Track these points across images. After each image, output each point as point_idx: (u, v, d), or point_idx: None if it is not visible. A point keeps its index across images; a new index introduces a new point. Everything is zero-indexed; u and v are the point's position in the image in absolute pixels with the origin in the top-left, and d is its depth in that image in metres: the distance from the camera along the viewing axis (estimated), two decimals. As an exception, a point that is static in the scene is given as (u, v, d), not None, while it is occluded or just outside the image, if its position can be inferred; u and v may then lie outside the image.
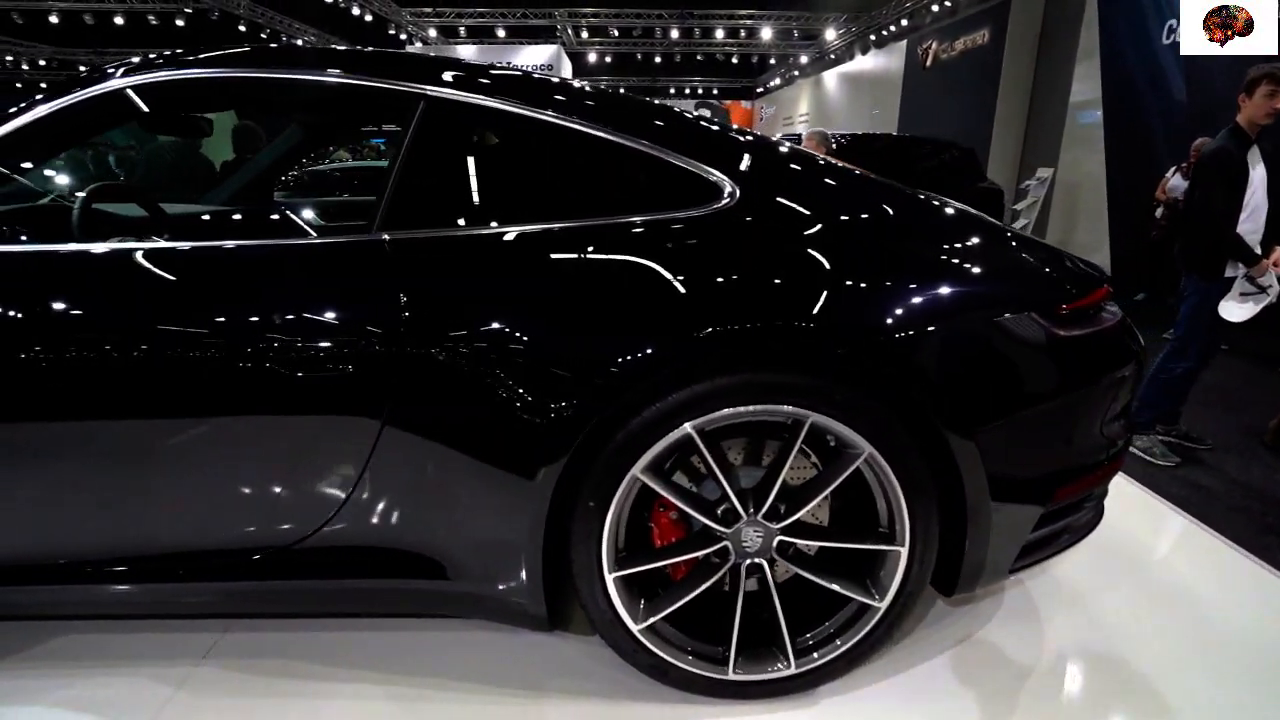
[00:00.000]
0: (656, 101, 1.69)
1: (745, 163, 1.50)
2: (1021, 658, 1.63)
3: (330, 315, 1.32)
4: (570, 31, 17.13)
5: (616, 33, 17.22)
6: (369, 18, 14.29)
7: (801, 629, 1.48)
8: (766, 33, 16.75)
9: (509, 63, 15.75)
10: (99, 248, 1.40)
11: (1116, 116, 8.29)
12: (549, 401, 1.28)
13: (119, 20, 13.62)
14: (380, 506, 1.39)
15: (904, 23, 14.27)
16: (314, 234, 1.47)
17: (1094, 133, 8.65)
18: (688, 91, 27.41)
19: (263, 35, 15.39)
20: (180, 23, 13.82)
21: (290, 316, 1.32)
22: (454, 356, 1.29)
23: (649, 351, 1.26)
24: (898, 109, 14.53)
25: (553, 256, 1.36)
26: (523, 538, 1.35)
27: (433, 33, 16.18)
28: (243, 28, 14.45)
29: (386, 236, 1.37)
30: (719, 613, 1.44)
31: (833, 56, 17.94)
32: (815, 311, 1.28)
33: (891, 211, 1.52)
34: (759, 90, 26.74)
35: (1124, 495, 2.51)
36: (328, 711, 1.45)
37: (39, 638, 1.63)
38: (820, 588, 1.44)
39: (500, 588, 1.41)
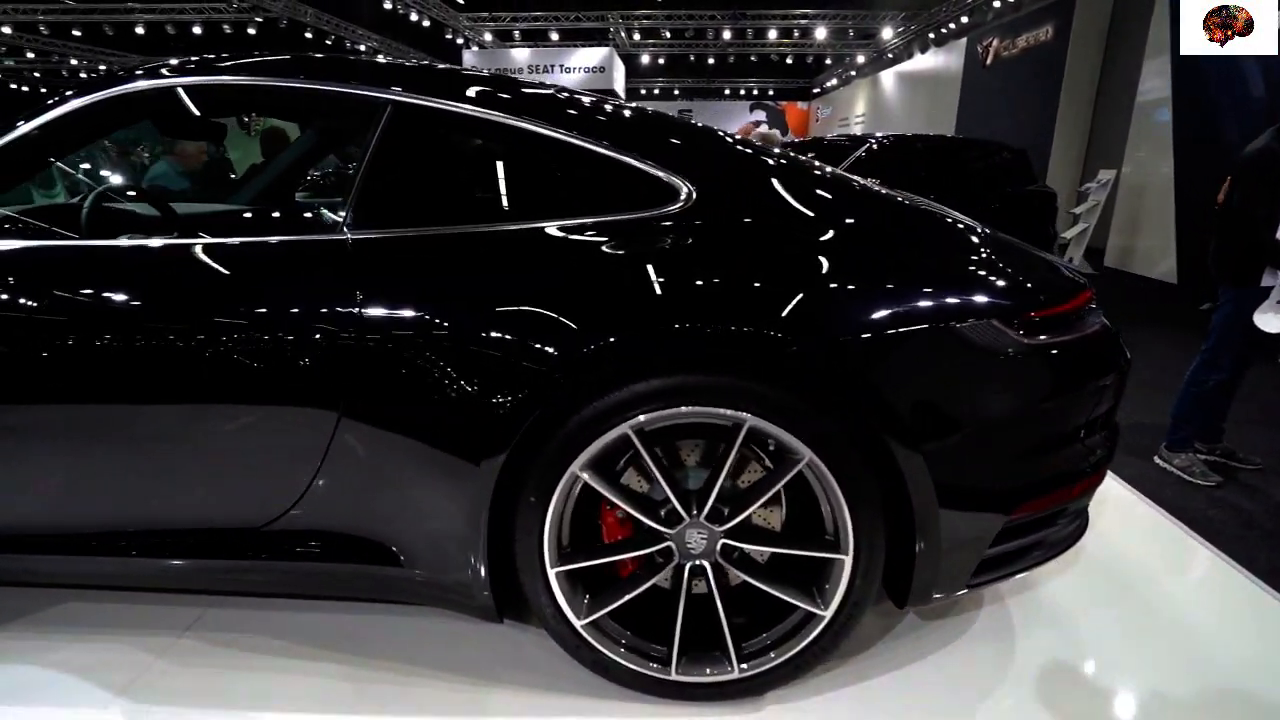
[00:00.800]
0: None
1: (706, 165, 1.50)
2: (983, 679, 1.58)
3: (295, 312, 1.39)
4: (623, 34, 17.24)
5: (668, 34, 17.23)
6: (426, 23, 14.71)
7: (748, 634, 1.47)
8: (821, 32, 16.49)
9: (561, 65, 15.97)
10: (84, 243, 1.51)
11: (1187, 116, 7.87)
12: (490, 397, 1.31)
13: (197, 30, 14.43)
14: (339, 494, 1.44)
15: (964, 20, 13.85)
16: (295, 234, 1.53)
17: (1162, 133, 8.24)
18: (742, 93, 27.19)
19: (327, 42, 16.03)
20: (252, 31, 14.54)
21: (260, 312, 1.39)
22: (402, 352, 1.34)
23: (583, 351, 1.28)
24: (955, 109, 14.13)
25: (498, 257, 1.39)
26: (468, 529, 1.39)
27: (488, 36, 16.53)
28: (309, 34, 15.08)
29: (350, 237, 1.43)
30: (665, 613, 1.45)
31: (890, 56, 17.54)
32: (749, 315, 1.28)
33: (849, 215, 1.49)
34: (815, 91, 26.33)
35: (1133, 513, 2.39)
36: (287, 687, 1.51)
37: (39, 604, 1.75)
38: (767, 593, 1.43)
39: (450, 577, 1.45)
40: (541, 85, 1.69)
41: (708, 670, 1.45)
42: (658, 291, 1.32)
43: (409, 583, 1.50)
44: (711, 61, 19.69)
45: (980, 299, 1.36)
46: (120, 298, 1.42)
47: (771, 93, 27.34)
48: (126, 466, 1.49)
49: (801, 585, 1.44)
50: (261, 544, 1.51)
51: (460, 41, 16.49)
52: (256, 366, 1.38)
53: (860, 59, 19.17)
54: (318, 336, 1.37)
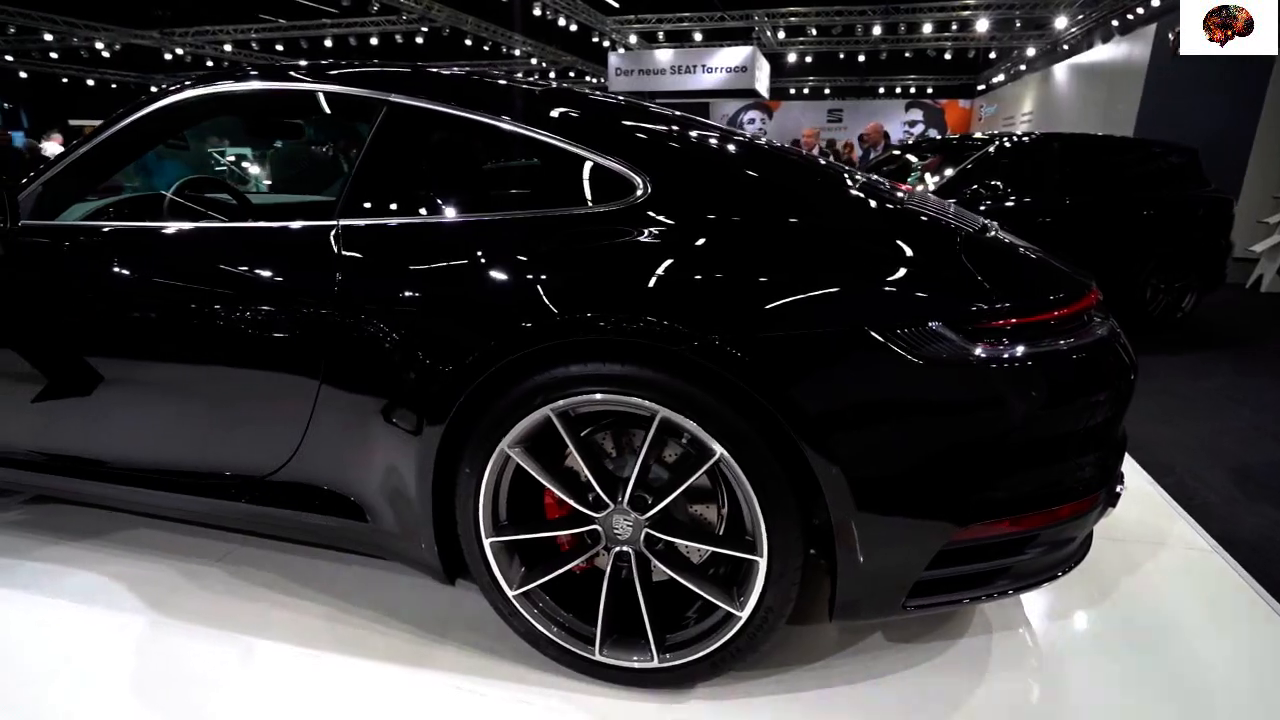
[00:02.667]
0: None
1: (664, 160, 1.52)
2: (921, 712, 1.48)
3: (291, 290, 1.58)
4: (768, 32, 16.98)
5: (815, 31, 16.73)
6: (574, 27, 15.33)
7: (674, 626, 1.48)
8: (983, 24, 15.31)
9: (703, 65, 16.03)
10: (158, 225, 1.80)
11: None
12: (432, 372, 1.42)
13: (374, 41, 16.00)
14: (322, 452, 1.62)
15: (1155, 3, 12.31)
16: (307, 221, 1.71)
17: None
18: (898, 91, 25.89)
19: (485, 48, 17.16)
20: (419, 40, 15.88)
21: (264, 290, 1.60)
22: (364, 328, 1.48)
23: (509, 335, 1.35)
24: (1137, 106, 12.62)
25: (447, 246, 1.49)
26: (418, 494, 1.51)
27: (633, 39, 16.92)
28: (469, 41, 16.22)
29: (339, 224, 1.59)
30: (596, 594, 1.49)
31: (1065, 47, 15.96)
32: (659, 308, 1.29)
33: (803, 212, 1.45)
34: (980, 87, 24.51)
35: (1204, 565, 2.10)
36: (278, 620, 1.71)
37: (110, 525, 2.10)
38: (699, 589, 1.43)
39: (405, 538, 1.58)
40: (508, 80, 1.76)
41: (632, 656, 1.47)
42: (581, 282, 1.36)
43: (377, 539, 1.64)
44: (862, 59, 18.91)
45: (921, 303, 1.28)
46: (176, 271, 1.69)
47: (930, 90, 25.80)
48: (175, 414, 1.75)
49: (724, 585, 1.43)
50: (267, 492, 1.72)
51: (606, 45, 17.00)
52: (263, 335, 1.59)
53: (1031, 52, 17.63)
54: (306, 310, 1.54)
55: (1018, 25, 15.84)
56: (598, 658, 1.48)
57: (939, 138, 6.85)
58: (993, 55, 20.05)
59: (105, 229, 1.83)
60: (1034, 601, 1.83)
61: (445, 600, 1.76)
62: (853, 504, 1.27)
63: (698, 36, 16.75)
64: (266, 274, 1.62)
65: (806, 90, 26.45)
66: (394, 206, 1.59)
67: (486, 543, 1.49)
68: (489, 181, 1.69)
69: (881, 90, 26.03)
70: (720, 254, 1.36)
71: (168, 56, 17.69)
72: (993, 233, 1.58)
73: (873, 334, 1.25)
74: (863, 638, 1.67)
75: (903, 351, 1.25)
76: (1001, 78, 21.44)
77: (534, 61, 20.06)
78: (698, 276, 1.33)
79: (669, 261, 1.35)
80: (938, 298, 1.30)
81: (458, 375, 1.39)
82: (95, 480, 1.86)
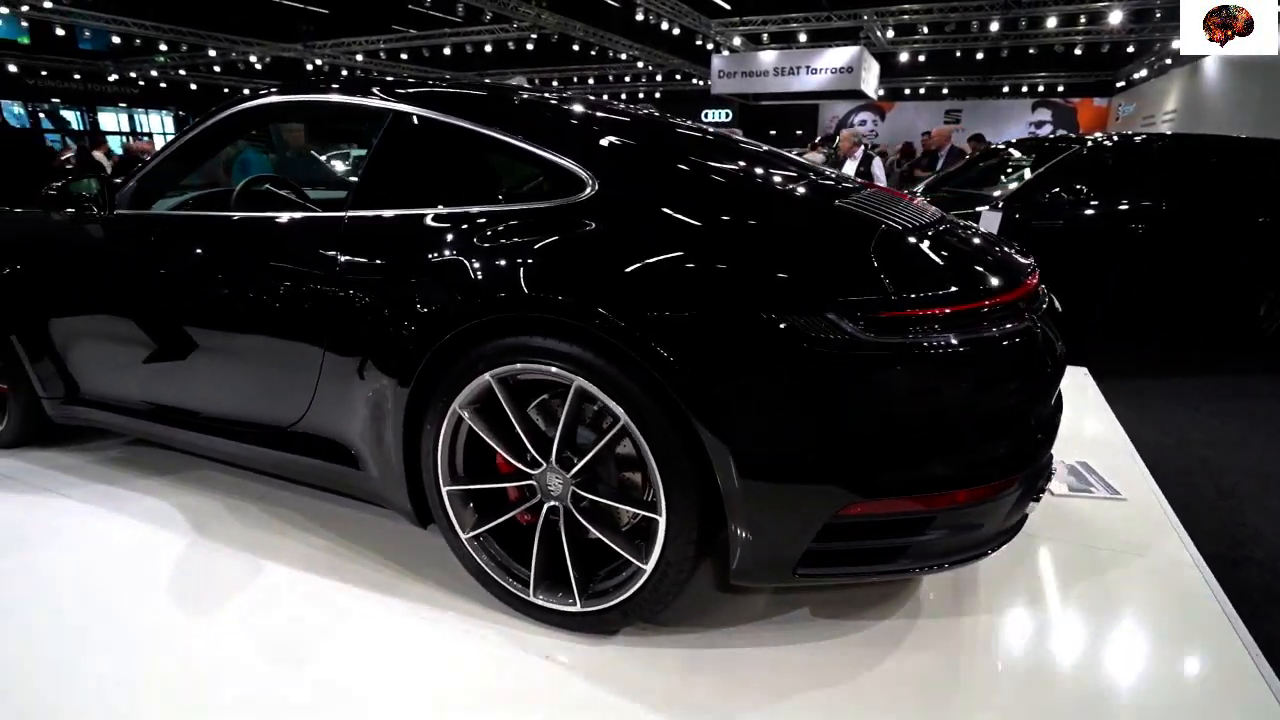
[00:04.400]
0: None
1: (609, 158, 1.70)
2: (823, 675, 1.57)
3: (307, 270, 1.88)
4: (878, 32, 16.53)
5: (926, 29, 16.13)
6: (676, 31, 15.59)
7: (596, 577, 1.65)
8: (1116, 16, 14.24)
9: (807, 67, 15.83)
10: (213, 215, 2.17)
11: None
12: (401, 341, 1.67)
13: (488, 49, 16.97)
14: (326, 408, 1.91)
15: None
16: (329, 212, 2.00)
17: None
18: (1024, 90, 24.37)
19: (591, 52, 17.74)
20: (530, 46, 16.67)
21: (288, 268, 1.92)
22: (356, 302, 1.76)
23: (459, 311, 1.58)
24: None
25: (426, 234, 1.73)
26: (391, 447, 1.76)
27: (737, 40, 16.96)
28: (576, 47, 16.86)
29: (348, 214, 1.88)
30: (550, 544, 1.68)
31: (1215, 39, 14.51)
32: (576, 290, 1.46)
33: (721, 208, 1.58)
34: (1120, 84, 22.63)
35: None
36: (288, 550, 2.02)
37: (186, 465, 2.51)
38: (611, 542, 1.60)
39: (388, 485, 1.84)
40: (478, 83, 1.98)
41: (559, 600, 1.66)
42: (515, 267, 1.55)
43: (368, 484, 1.91)
44: (981, 57, 18.03)
45: (815, 293, 1.39)
46: (224, 255, 2.05)
47: (1061, 89, 24.12)
48: (224, 371, 2.09)
49: (634, 542, 1.59)
50: (290, 440, 2.03)
51: (710, 47, 17.15)
52: (288, 307, 1.90)
53: (1175, 44, 16.18)
54: (318, 288, 1.84)
55: (1157, 16, 14.61)
56: (531, 598, 1.68)
57: (1029, 138, 6.49)
58: (1131, 49, 18.52)
59: (173, 217, 2.22)
60: (972, 588, 1.86)
61: (425, 543, 2.01)
62: (738, 474, 1.39)
63: (803, 38, 16.55)
64: (294, 257, 1.93)
65: (923, 90, 25.40)
66: (384, 200, 1.86)
67: (444, 491, 1.72)
68: (463, 179, 1.92)
69: (1006, 89, 24.59)
70: (639, 244, 1.52)
71: (309, 67, 19.51)
72: (938, 230, 1.65)
73: (764, 319, 1.37)
74: (792, 609, 1.78)
75: (793, 337, 1.36)
76: (1144, 73, 19.72)
77: (640, 65, 20.52)
78: (614, 264, 1.49)
79: (592, 251, 1.53)
80: (833, 288, 1.39)
81: (419, 343, 1.63)
82: (169, 425, 2.25)
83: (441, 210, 1.76)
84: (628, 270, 1.48)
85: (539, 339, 1.52)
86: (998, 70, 21.93)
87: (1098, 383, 3.64)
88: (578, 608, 1.64)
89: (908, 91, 25.44)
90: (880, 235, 1.52)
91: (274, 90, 2.15)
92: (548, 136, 1.76)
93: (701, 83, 18.33)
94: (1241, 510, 2.80)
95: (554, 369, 1.51)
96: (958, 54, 18.23)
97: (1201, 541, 2.15)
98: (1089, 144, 5.34)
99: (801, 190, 1.68)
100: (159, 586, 1.86)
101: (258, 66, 19.25)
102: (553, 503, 1.64)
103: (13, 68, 19.67)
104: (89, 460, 2.58)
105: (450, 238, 1.69)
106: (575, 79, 23.11)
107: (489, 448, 1.72)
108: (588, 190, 1.64)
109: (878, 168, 6.62)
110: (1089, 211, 4.82)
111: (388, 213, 1.83)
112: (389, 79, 2.07)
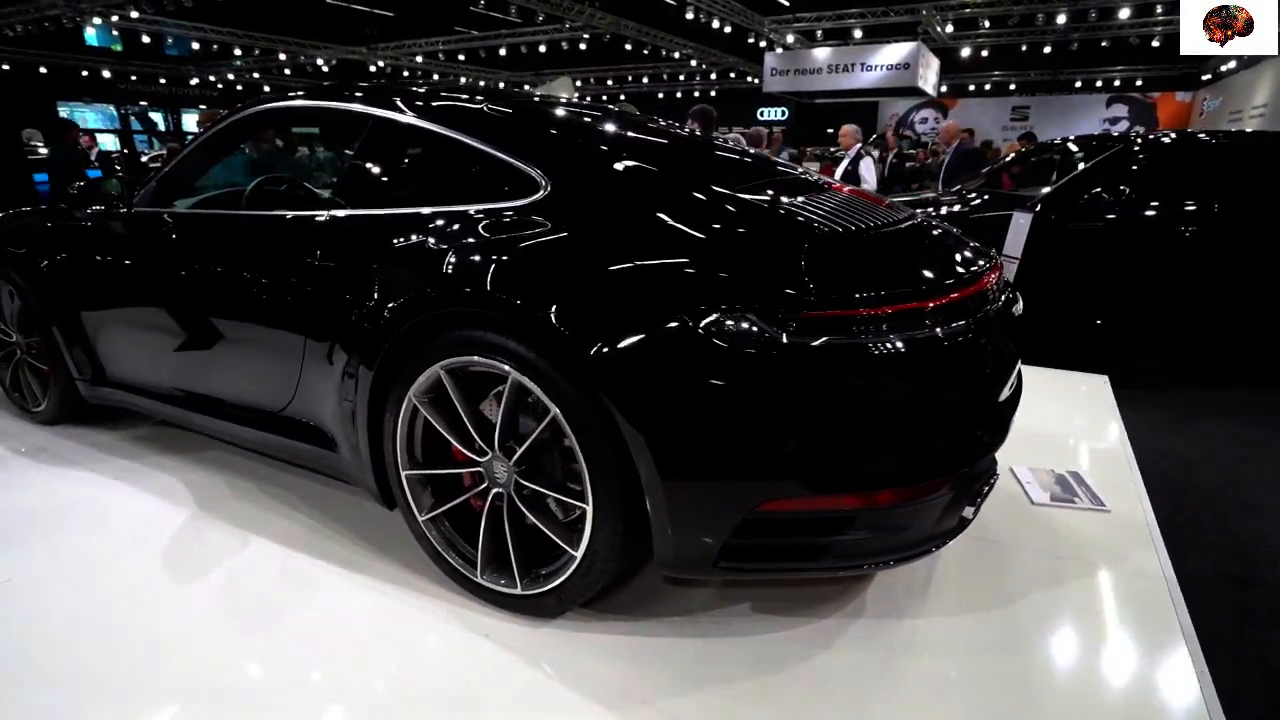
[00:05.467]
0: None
1: (562, 162, 1.78)
2: (749, 668, 1.60)
3: (292, 265, 2.02)
4: (937, 27, 16.08)
5: (988, 24, 15.57)
6: (728, 29, 15.53)
7: (538, 562, 1.73)
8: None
9: (862, 64, 15.52)
10: (216, 213, 2.34)
11: None
12: (365, 333, 1.78)
13: (542, 49, 17.28)
14: (310, 393, 2.04)
15: None
16: (315, 211, 2.13)
17: None
18: (1099, 85, 23.26)
19: (644, 51, 17.83)
20: (583, 46, 16.89)
21: (276, 263, 2.06)
22: (332, 295, 1.88)
23: (415, 306, 1.68)
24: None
25: (388, 233, 1.84)
26: (358, 431, 1.88)
27: (790, 38, 16.75)
28: (629, 46, 16.97)
29: (327, 214, 2.01)
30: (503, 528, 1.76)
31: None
32: (512, 288, 1.54)
33: (663, 209, 1.63)
34: (1206, 77, 21.33)
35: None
36: (274, 523, 2.17)
37: (192, 447, 2.70)
38: (546, 528, 1.67)
39: (358, 467, 1.96)
40: (447, 87, 2.07)
41: (503, 582, 1.74)
42: (462, 265, 1.64)
43: (342, 466, 2.04)
44: (1048, 51, 17.31)
45: (735, 293, 1.42)
46: (222, 250, 2.22)
47: (1140, 83, 22.92)
48: (225, 358, 2.25)
49: (568, 529, 1.65)
50: (279, 423, 2.18)
51: (764, 45, 17.01)
52: (275, 298, 2.04)
53: (1262, 36, 15.17)
54: (299, 280, 1.98)
55: (1241, 6, 13.73)
56: (478, 579, 1.77)
57: (1082, 136, 6.21)
58: (1213, 41, 17.41)
59: (179, 215, 2.40)
60: (922, 591, 1.86)
61: (398, 525, 2.12)
62: (656, 468, 1.44)
63: (858, 34, 16.23)
64: (281, 253, 2.07)
65: (988, 87, 24.52)
66: (358, 200, 1.98)
67: (403, 474, 1.83)
68: (431, 180, 2.02)
69: (1079, 84, 23.53)
70: (573, 245, 1.59)
71: (372, 68, 20.24)
72: (888, 233, 1.66)
73: (684, 318, 1.42)
74: (734, 603, 1.81)
75: (710, 336, 1.40)
76: (1232, 64, 18.54)
77: (694, 64, 20.52)
78: (546, 263, 1.57)
79: (532, 251, 1.60)
80: (751, 288, 1.43)
81: (379, 335, 1.74)
82: (178, 407, 2.44)
83: (404, 211, 1.86)
84: (558, 269, 1.55)
85: (481, 333, 1.60)
86: (1069, 64, 20.99)
87: (1128, 392, 3.52)
88: (518, 590, 1.71)
89: (972, 88, 24.61)
90: (812, 237, 1.55)
91: (260, 101, 2.31)
92: (508, 140, 1.84)
93: (756, 81, 18.16)
94: (1262, 527, 2.69)
95: (495, 362, 1.59)
96: (1023, 48, 17.55)
97: (1203, 560, 2.09)
98: (1137, 142, 5.11)
99: (742, 193, 1.72)
100: (154, 554, 2.03)
101: (325, 69, 20.10)
102: (498, 489, 1.72)
103: (106, 73, 21.07)
104: (117, 438, 2.80)
105: (408, 236, 1.79)
106: (629, 78, 23.26)
107: (444, 435, 1.81)
108: (540, 192, 1.71)
109: (866, 168, 6.56)
110: (1132, 214, 4.61)
111: (360, 212, 1.95)
112: (365, 84, 2.18)
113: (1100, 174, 4.84)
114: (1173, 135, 5.30)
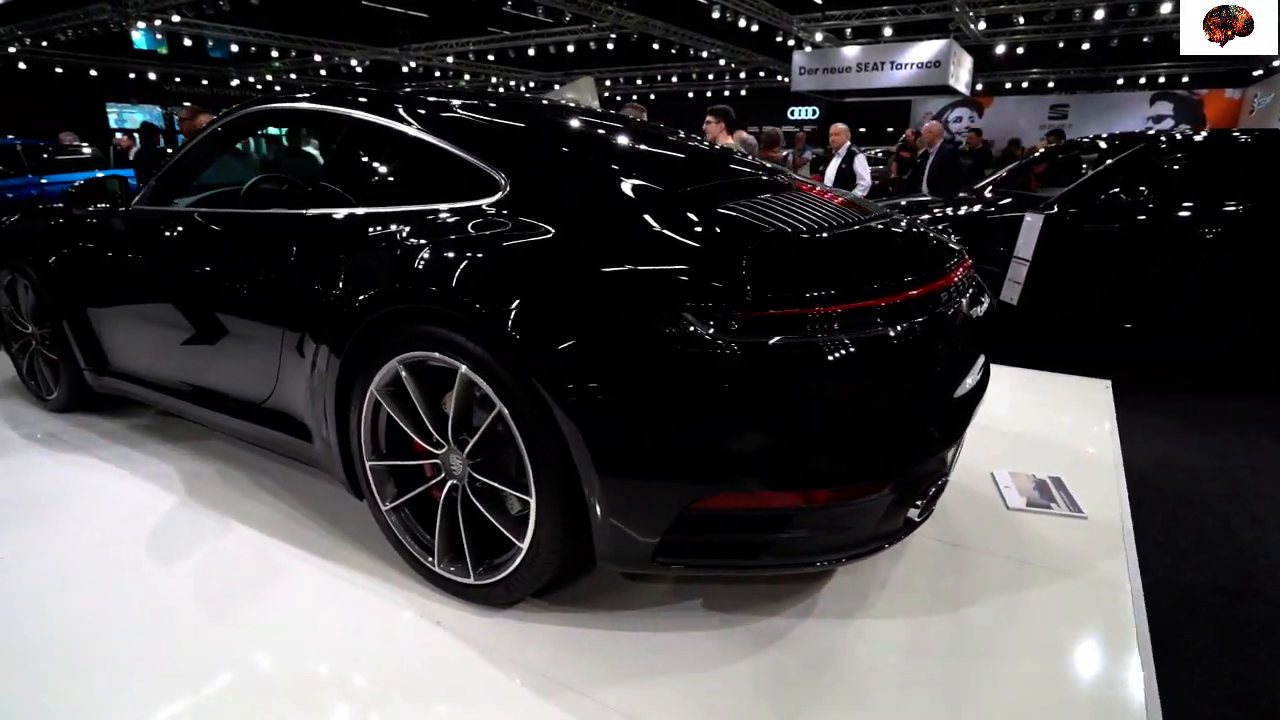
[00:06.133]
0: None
1: (522, 162, 1.82)
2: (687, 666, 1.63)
3: (270, 258, 2.10)
4: (970, 24, 15.78)
5: (1022, 20, 15.22)
6: (755, 28, 15.44)
7: (491, 553, 1.77)
8: (1241, 1, 12.98)
9: (891, 62, 15.32)
10: (204, 210, 2.43)
11: None
12: (331, 329, 1.84)
13: (570, 49, 17.40)
14: (286, 386, 2.12)
15: None
16: (290, 209, 2.20)
17: None
18: (1143, 82, 22.57)
19: (672, 51, 17.83)
20: (610, 46, 16.96)
21: (258, 259, 2.14)
22: (306, 290, 1.94)
23: (375, 303, 1.74)
24: None
25: (356, 231, 1.90)
26: (325, 422, 1.94)
27: (819, 36, 16.59)
28: (656, 45, 16.99)
29: (306, 212, 2.08)
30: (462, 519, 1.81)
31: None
32: (462, 288, 1.58)
33: (602, 209, 1.66)
34: (1257, 73, 20.55)
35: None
36: (258, 509, 2.26)
37: (187, 436, 2.81)
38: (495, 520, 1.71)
39: (328, 458, 2.03)
40: (438, 89, 2.11)
41: (455, 570, 1.79)
42: (419, 263, 1.69)
43: (315, 456, 2.11)
44: (1087, 47, 16.86)
45: (672, 292, 1.44)
46: (209, 246, 2.30)
47: (1186, 79, 22.18)
48: (212, 351, 2.34)
49: (517, 523, 1.69)
50: (263, 415, 2.26)
51: (791, 43, 16.88)
52: (259, 294, 2.12)
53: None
54: (278, 276, 2.05)
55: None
56: (435, 569, 1.82)
57: (1107, 136, 6.05)
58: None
59: (171, 212, 2.51)
60: (876, 592, 1.86)
61: (368, 515, 2.19)
62: (594, 463, 1.47)
63: (888, 31, 16.00)
64: (262, 249, 2.15)
65: (1025, 85, 23.97)
66: (327, 199, 2.05)
67: (368, 465, 1.89)
68: (396, 180, 2.08)
69: (1121, 81, 22.86)
70: (520, 244, 1.62)
71: (404, 69, 20.59)
72: (846, 233, 1.67)
73: (621, 316, 1.45)
74: (685, 599, 1.84)
75: (645, 333, 1.43)
76: (1282, 61, 17.86)
77: (722, 63, 20.46)
78: (497, 262, 1.61)
79: (481, 249, 1.65)
80: (691, 288, 1.45)
81: (344, 330, 1.80)
82: (171, 396, 2.54)
83: (369, 210, 1.93)
84: (503, 267, 1.59)
85: (433, 328, 1.65)
86: (1110, 61, 20.41)
87: (1141, 397, 3.45)
88: (471, 580, 1.76)
89: (1009, 86, 24.08)
90: (755, 237, 1.56)
91: (249, 103, 2.40)
92: (472, 142, 1.89)
93: (786, 80, 18.04)
94: (1267, 539, 2.62)
95: (447, 358, 1.63)
96: (1060, 45, 17.12)
97: (1199, 572, 2.06)
98: (1161, 141, 4.98)
99: (693, 192, 1.74)
100: (141, 536, 2.12)
101: (358, 69, 20.52)
102: (453, 482, 1.76)
103: (152, 75, 21.80)
104: (122, 426, 2.93)
105: (369, 235, 1.86)
106: (658, 77, 23.26)
107: (404, 428, 1.87)
108: (500, 193, 1.76)
109: (860, 165, 6.52)
110: (1152, 214, 4.49)
111: (326, 211, 2.02)
112: (343, 86, 2.25)
113: (1119, 174, 4.72)
114: (1198, 133, 5.15)
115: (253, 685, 1.56)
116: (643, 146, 2.05)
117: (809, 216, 1.68)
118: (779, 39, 16.78)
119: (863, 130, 21.46)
